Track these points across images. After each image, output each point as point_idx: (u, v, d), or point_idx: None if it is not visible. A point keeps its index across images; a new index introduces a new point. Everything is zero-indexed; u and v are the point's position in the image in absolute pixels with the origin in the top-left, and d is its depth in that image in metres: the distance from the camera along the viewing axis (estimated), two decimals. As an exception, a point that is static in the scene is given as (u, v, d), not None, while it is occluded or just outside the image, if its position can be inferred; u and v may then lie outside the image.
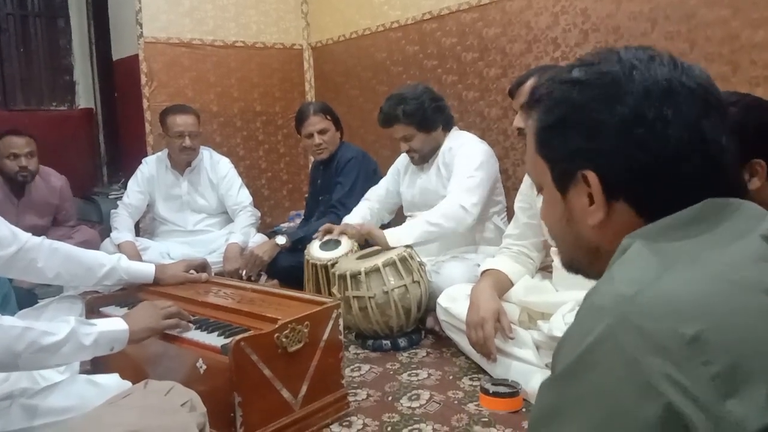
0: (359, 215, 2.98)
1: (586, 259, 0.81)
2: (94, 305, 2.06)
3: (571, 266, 0.86)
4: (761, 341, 0.57)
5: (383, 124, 2.81)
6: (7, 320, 1.37)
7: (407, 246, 2.51)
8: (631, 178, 0.70)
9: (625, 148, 0.69)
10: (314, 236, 2.85)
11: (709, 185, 0.69)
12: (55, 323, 1.47)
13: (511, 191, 2.81)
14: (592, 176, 0.72)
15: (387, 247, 2.53)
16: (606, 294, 0.63)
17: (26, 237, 1.80)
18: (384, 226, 2.96)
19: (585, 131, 0.72)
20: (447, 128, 2.82)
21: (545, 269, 2.29)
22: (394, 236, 2.55)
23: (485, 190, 2.64)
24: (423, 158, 2.83)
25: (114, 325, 1.57)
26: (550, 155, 0.79)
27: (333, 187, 3.23)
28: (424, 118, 2.71)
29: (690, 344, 0.56)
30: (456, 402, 1.93)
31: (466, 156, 2.67)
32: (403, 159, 3.06)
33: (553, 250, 2.15)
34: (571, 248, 0.83)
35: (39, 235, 3.24)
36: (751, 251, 0.64)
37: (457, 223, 2.56)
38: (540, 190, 0.84)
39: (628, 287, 0.61)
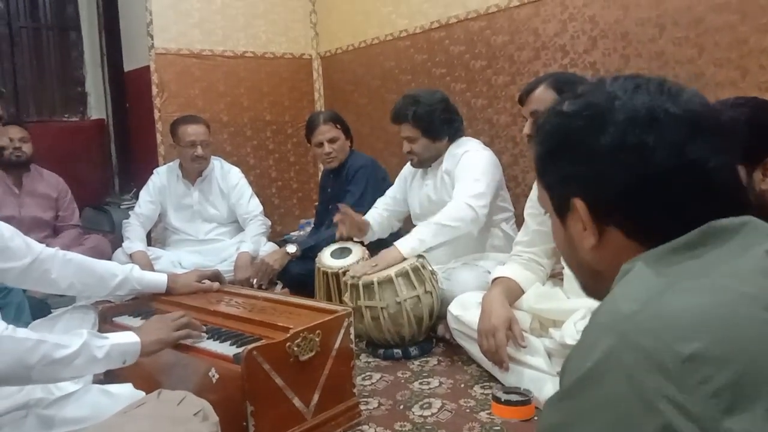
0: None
1: (591, 281, 0.84)
2: (107, 315, 2.07)
3: (586, 290, 0.89)
4: (761, 357, 0.58)
5: (392, 120, 2.82)
6: (21, 332, 1.38)
7: (419, 255, 2.50)
8: (617, 202, 0.73)
9: (609, 173, 0.73)
10: (335, 217, 2.83)
11: (701, 207, 0.70)
12: (68, 336, 1.47)
13: (520, 198, 2.81)
14: (579, 203, 0.76)
15: (401, 260, 2.48)
16: (608, 313, 0.65)
17: (40, 248, 1.82)
18: (394, 235, 2.97)
19: (573, 159, 0.77)
20: (452, 140, 2.81)
21: (556, 276, 2.28)
22: (406, 247, 2.50)
23: (490, 193, 2.64)
24: (421, 163, 2.83)
25: (126, 338, 1.57)
26: (547, 183, 0.84)
27: (343, 195, 3.23)
28: (431, 125, 2.71)
29: (687, 362, 0.57)
30: (468, 410, 1.93)
31: (469, 161, 2.67)
32: (409, 167, 3.06)
33: (564, 257, 2.14)
34: (578, 272, 0.87)
35: (44, 230, 3.37)
36: (753, 266, 0.65)
37: (465, 223, 2.53)
38: (548, 215, 0.88)
39: (629, 306, 0.63)
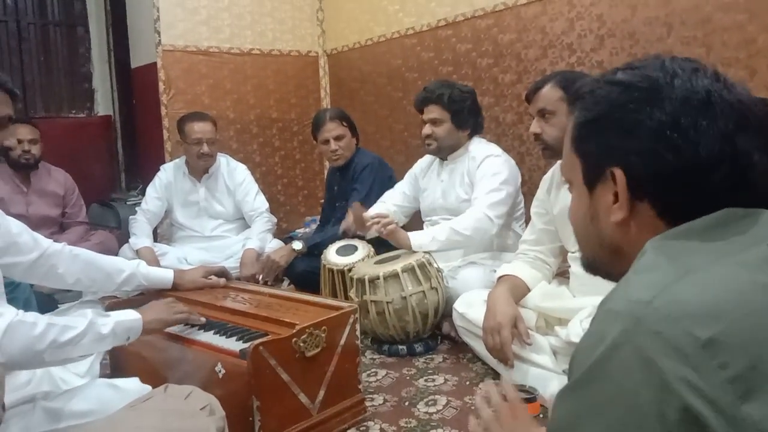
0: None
1: (608, 258, 0.82)
2: (114, 310, 2.07)
3: (593, 266, 0.87)
4: None
5: (421, 102, 2.82)
6: (30, 317, 1.40)
7: (426, 252, 2.51)
8: (658, 180, 0.72)
9: (656, 150, 0.71)
10: (350, 208, 2.86)
11: (734, 197, 0.69)
12: (73, 317, 1.51)
13: (527, 196, 2.80)
14: (619, 173, 0.74)
15: (408, 249, 2.54)
16: (622, 299, 0.64)
17: (47, 243, 1.83)
18: None
19: (621, 130, 0.74)
20: (472, 134, 2.82)
21: (562, 275, 2.28)
22: (418, 241, 2.55)
23: (510, 203, 2.67)
24: (439, 150, 2.82)
25: (128, 315, 1.62)
26: (584, 150, 0.80)
27: (349, 193, 3.24)
28: (461, 111, 2.74)
29: (706, 347, 0.57)
30: (473, 408, 1.92)
31: (491, 169, 2.67)
32: (420, 164, 3.07)
33: (570, 255, 2.14)
34: (595, 247, 0.84)
35: (52, 227, 3.38)
36: (765, 256, 0.64)
37: (481, 235, 2.58)
38: (570, 186, 0.86)
39: (644, 292, 0.62)
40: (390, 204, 3.05)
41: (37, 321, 1.39)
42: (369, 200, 3.13)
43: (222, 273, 2.26)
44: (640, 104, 0.73)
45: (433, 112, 2.76)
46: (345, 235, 2.94)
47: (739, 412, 0.55)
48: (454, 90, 2.75)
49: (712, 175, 0.69)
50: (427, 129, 2.79)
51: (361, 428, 1.83)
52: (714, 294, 0.61)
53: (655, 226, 0.73)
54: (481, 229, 2.55)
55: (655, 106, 0.71)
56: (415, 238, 2.56)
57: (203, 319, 1.83)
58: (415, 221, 3.14)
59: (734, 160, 0.69)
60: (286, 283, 3.24)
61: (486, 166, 2.69)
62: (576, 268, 2.10)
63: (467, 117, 2.76)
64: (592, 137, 0.78)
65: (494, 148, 2.79)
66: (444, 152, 2.83)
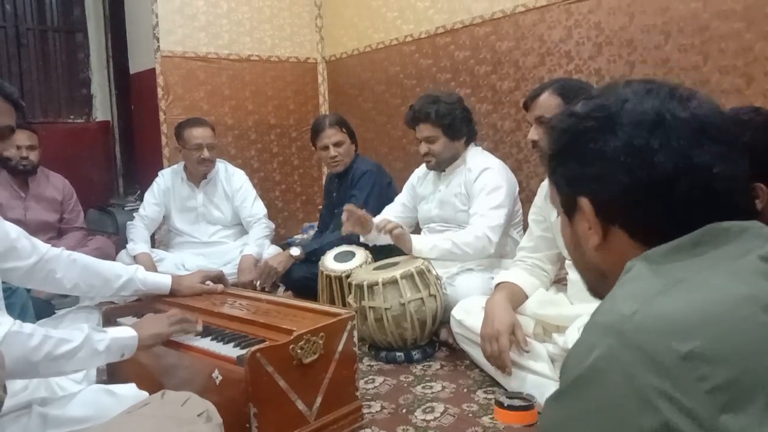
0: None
1: (598, 282, 0.85)
2: (111, 316, 2.08)
3: (593, 291, 0.89)
4: (758, 357, 0.59)
5: (411, 122, 2.81)
6: (28, 328, 1.40)
7: (424, 259, 2.51)
8: (621, 203, 0.74)
9: (614, 175, 0.74)
10: (342, 216, 2.84)
11: (702, 211, 0.70)
12: (70, 330, 1.50)
13: (524, 204, 2.81)
14: (585, 202, 0.78)
15: (409, 254, 2.55)
16: (607, 312, 0.66)
17: (45, 248, 1.83)
18: None
19: (581, 160, 0.78)
20: (468, 142, 2.82)
21: (560, 282, 2.28)
22: (418, 246, 2.56)
23: (508, 219, 2.68)
24: (439, 164, 2.82)
25: (123, 332, 1.61)
26: (556, 182, 0.85)
27: (348, 199, 3.23)
28: (453, 123, 2.72)
29: (686, 360, 0.58)
30: (470, 415, 1.93)
31: (490, 183, 2.66)
32: (417, 173, 3.07)
33: (568, 263, 2.15)
34: (584, 271, 0.88)
35: (49, 233, 3.37)
36: (752, 268, 0.65)
37: (479, 253, 2.59)
38: (558, 214, 0.89)
39: (628, 306, 0.64)
40: (392, 216, 3.05)
41: (33, 332, 1.39)
42: (367, 206, 3.12)
43: (220, 278, 2.26)
44: (596, 133, 0.76)
45: (425, 130, 2.76)
46: (348, 239, 2.93)
47: (718, 425, 0.56)
48: (440, 105, 2.71)
49: (672, 193, 0.71)
50: (423, 147, 2.79)
51: (359, 435, 1.82)
52: (697, 306, 0.62)
53: (632, 247, 0.75)
54: (479, 248, 2.57)
55: (608, 133, 0.74)
56: (416, 242, 2.57)
57: (200, 329, 1.82)
58: (414, 230, 3.14)
59: (692, 175, 0.70)
60: (281, 289, 3.23)
61: (483, 179, 2.68)
62: (574, 275, 2.10)
63: (460, 126, 2.75)
64: (559, 169, 0.83)
65: (491, 160, 2.79)
66: (443, 165, 2.83)
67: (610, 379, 0.61)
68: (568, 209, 0.83)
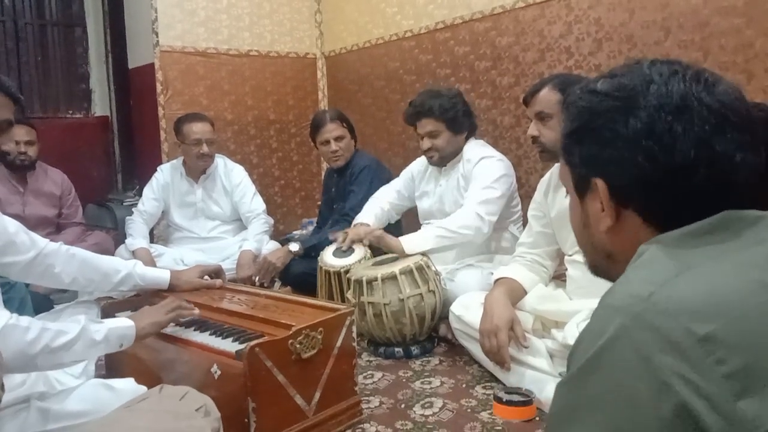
0: (371, 213, 2.98)
1: (604, 262, 0.84)
2: (110, 311, 2.07)
3: (595, 270, 0.88)
4: None
5: (412, 118, 2.81)
6: (24, 321, 1.40)
7: (423, 255, 2.51)
8: (638, 187, 0.73)
9: (633, 158, 0.72)
10: (331, 239, 2.84)
11: (722, 199, 0.70)
12: (67, 323, 1.51)
13: (524, 199, 2.81)
14: (600, 183, 0.76)
15: (402, 254, 2.54)
16: (621, 294, 0.65)
17: (44, 243, 1.83)
18: (390, 226, 2.98)
19: (600, 140, 0.75)
20: (469, 136, 2.82)
21: (559, 278, 2.28)
22: (410, 243, 2.56)
23: (502, 202, 2.66)
24: (442, 159, 2.82)
25: (121, 322, 1.62)
26: (570, 161, 0.82)
27: (347, 195, 3.24)
28: (455, 117, 2.73)
29: (703, 343, 0.57)
30: (469, 410, 1.93)
31: (486, 168, 2.67)
32: (418, 165, 3.06)
33: (567, 258, 2.14)
34: (590, 252, 0.86)
35: (48, 228, 3.37)
36: (765, 257, 0.65)
37: (473, 232, 2.56)
38: (567, 192, 0.87)
39: (644, 287, 0.63)
40: (384, 201, 3.05)
41: (30, 325, 1.39)
42: (366, 202, 3.13)
43: (218, 272, 2.26)
44: (617, 114, 0.73)
45: (427, 125, 2.75)
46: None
47: (735, 409, 0.55)
48: (443, 99, 2.72)
49: (691, 180, 0.69)
50: (426, 143, 2.78)
51: (357, 430, 1.82)
52: (713, 290, 0.61)
53: (643, 232, 0.74)
54: (471, 226, 2.55)
55: (630, 114, 0.72)
56: (406, 242, 2.56)
57: (196, 311, 1.84)
58: (412, 222, 3.14)
59: (713, 163, 0.69)
60: (278, 285, 3.23)
61: (480, 167, 2.69)
62: (573, 270, 2.10)
63: (462, 120, 2.76)
64: (575, 148, 0.80)
65: (489, 150, 2.80)
66: (446, 160, 2.83)
67: (624, 360, 0.60)
68: (580, 189, 0.81)
